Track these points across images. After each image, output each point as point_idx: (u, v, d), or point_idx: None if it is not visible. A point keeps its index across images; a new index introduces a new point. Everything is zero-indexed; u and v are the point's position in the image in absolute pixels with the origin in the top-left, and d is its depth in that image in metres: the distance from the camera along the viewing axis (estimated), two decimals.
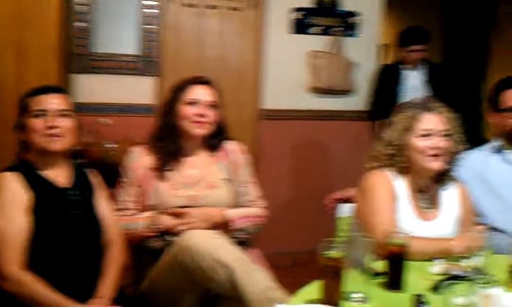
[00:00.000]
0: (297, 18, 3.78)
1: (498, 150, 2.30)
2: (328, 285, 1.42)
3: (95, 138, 3.11)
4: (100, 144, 3.11)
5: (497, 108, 2.30)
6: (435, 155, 1.92)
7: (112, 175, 2.20)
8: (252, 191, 2.29)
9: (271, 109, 3.79)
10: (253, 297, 1.73)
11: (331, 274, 1.41)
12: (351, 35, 3.88)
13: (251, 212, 2.23)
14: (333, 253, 1.42)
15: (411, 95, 3.65)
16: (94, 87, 3.40)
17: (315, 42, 3.81)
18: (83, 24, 3.35)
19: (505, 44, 8.09)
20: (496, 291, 1.37)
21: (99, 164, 2.32)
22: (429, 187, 2.02)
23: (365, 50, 3.94)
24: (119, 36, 3.47)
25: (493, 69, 8.20)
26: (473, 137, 2.42)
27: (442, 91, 3.80)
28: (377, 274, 1.58)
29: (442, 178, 2.02)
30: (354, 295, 1.45)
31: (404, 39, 3.84)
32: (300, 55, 3.80)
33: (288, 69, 3.80)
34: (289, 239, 3.83)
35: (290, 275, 2.41)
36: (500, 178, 2.26)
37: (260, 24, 3.71)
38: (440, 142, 1.92)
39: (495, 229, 2.11)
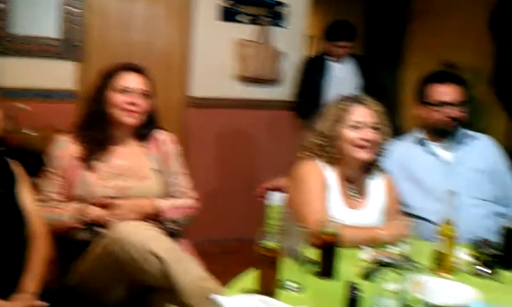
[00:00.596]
0: (225, 6, 3.76)
1: (421, 142, 2.40)
2: (264, 275, 1.43)
3: (13, 125, 2.94)
4: (19, 131, 2.94)
5: (423, 101, 2.39)
6: (364, 146, 1.98)
7: (33, 164, 2.09)
8: (183, 182, 2.25)
9: (198, 97, 3.76)
10: (186, 287, 1.71)
11: (268, 264, 1.42)
12: (278, 25, 3.92)
13: (182, 202, 2.20)
14: (270, 243, 1.43)
15: (336, 87, 3.75)
16: (12, 71, 3.22)
17: (243, 31, 3.81)
18: (0, 5, 3.15)
19: (419, 39, 8.49)
20: (426, 278, 1.44)
21: (19, 152, 2.19)
22: (357, 177, 2.08)
23: (292, 41, 3.99)
24: (39, 18, 3.30)
25: (408, 63, 8.59)
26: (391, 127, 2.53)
27: (366, 83, 3.94)
28: (309, 262, 1.61)
29: (370, 168, 2.10)
30: (289, 284, 1.48)
31: (332, 34, 3.91)
32: (228, 43, 3.79)
33: (216, 57, 3.78)
34: (218, 227, 3.84)
35: (219, 263, 2.43)
36: (424, 169, 2.35)
37: (187, 10, 3.66)
38: (369, 133, 1.98)
39: (419, 218, 2.21)
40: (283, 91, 3.98)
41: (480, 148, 2.39)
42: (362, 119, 1.99)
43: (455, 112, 2.30)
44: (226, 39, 3.78)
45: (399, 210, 2.16)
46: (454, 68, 7.78)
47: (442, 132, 2.35)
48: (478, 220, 2.17)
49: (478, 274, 1.68)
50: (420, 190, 2.28)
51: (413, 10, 8.58)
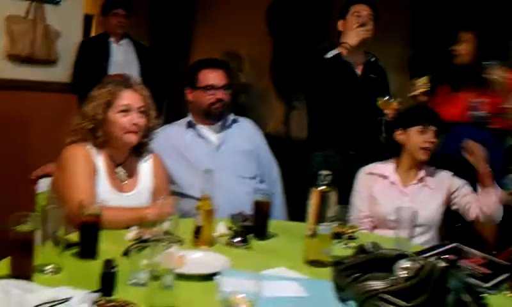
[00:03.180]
0: None
1: (191, 124, 2.54)
2: (17, 259, 1.38)
3: None
4: None
5: (195, 86, 2.52)
6: (132, 131, 2.02)
7: None
8: None
9: None
10: None
11: (21, 248, 1.38)
12: (52, 2, 3.70)
13: None
14: (22, 227, 1.39)
15: (117, 70, 3.73)
16: None
17: (13, 6, 3.53)
18: None
19: (205, 28, 8.83)
20: (185, 251, 1.54)
21: None
22: (126, 160, 2.11)
23: (69, 20, 3.81)
24: None
25: (196, 52, 8.88)
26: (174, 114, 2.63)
27: (147, 71, 3.99)
28: (71, 245, 1.61)
29: (139, 151, 2.14)
30: (46, 268, 1.45)
31: (106, 6, 3.92)
32: None
33: None
34: None
35: None
36: (192, 150, 2.50)
37: None
38: (137, 118, 2.02)
39: (189, 196, 2.33)
40: (60, 73, 3.80)
41: (244, 130, 2.61)
42: (130, 102, 2.02)
43: (220, 94, 2.48)
44: None
45: (168, 189, 2.25)
46: (235, 57, 8.28)
47: (209, 114, 2.51)
48: (242, 197, 2.36)
49: (232, 245, 1.84)
50: (190, 170, 2.41)
51: (197, 1, 8.89)
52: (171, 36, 8.29)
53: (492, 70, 2.61)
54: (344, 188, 2.50)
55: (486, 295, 1.38)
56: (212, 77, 2.49)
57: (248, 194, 2.43)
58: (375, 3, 2.91)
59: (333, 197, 1.71)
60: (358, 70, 2.91)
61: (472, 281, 1.59)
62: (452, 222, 2.48)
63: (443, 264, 1.25)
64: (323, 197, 1.70)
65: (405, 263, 1.33)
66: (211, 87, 2.48)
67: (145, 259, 1.39)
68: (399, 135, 2.39)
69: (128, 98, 2.03)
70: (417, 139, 2.32)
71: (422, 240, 2.24)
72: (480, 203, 2.28)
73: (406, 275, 1.30)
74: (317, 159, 2.85)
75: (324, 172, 1.72)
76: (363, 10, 2.84)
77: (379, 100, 2.67)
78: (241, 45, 8.06)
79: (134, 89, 2.06)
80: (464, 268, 1.72)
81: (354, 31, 2.81)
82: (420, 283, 1.26)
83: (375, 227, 2.40)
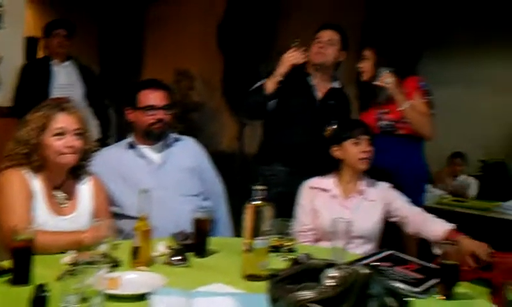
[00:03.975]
0: None
1: (131, 145, 2.54)
2: None
3: None
4: None
5: (135, 106, 2.53)
6: (66, 153, 2.01)
7: None
8: None
9: None
10: None
11: None
12: None
13: None
14: None
15: (59, 92, 3.70)
16: None
17: None
18: None
19: (155, 48, 8.84)
20: (121, 273, 1.54)
21: None
22: (65, 183, 2.09)
23: (10, 43, 3.78)
24: None
25: (146, 71, 8.88)
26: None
27: (92, 92, 3.97)
28: (5, 271, 1.58)
29: (77, 173, 2.13)
30: None
31: (48, 27, 3.90)
32: None
33: None
34: None
35: None
36: (134, 171, 2.49)
37: None
38: (72, 141, 2.01)
39: (132, 217, 2.32)
40: (1, 97, 3.74)
41: (186, 149, 2.63)
42: (65, 125, 2.01)
43: (161, 114, 2.50)
44: None
45: (108, 211, 2.24)
46: (187, 76, 8.31)
47: (150, 134, 2.52)
48: (186, 215, 2.33)
49: (171, 263, 1.85)
50: (130, 190, 2.39)
51: (147, 19, 8.90)
52: (120, 57, 8.27)
53: (381, 77, 2.72)
54: (289, 202, 2.56)
55: (411, 299, 1.44)
56: (153, 97, 2.50)
57: (191, 212, 2.45)
58: (341, 30, 2.98)
59: (268, 211, 1.75)
60: (319, 94, 2.99)
61: (401, 286, 1.66)
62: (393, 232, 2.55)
63: (366, 271, 1.30)
64: (257, 211, 1.73)
65: (332, 272, 1.37)
66: (151, 107, 2.49)
67: (79, 283, 1.38)
68: (336, 151, 2.45)
69: (63, 121, 2.02)
70: (353, 151, 2.39)
71: (363, 250, 2.30)
72: (421, 228, 2.34)
73: (332, 283, 1.34)
74: (264, 174, 2.89)
75: (259, 187, 1.75)
76: (324, 36, 2.93)
77: (327, 130, 2.66)
78: (192, 64, 8.10)
79: (68, 111, 2.05)
80: (397, 274, 1.78)
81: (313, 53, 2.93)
82: (345, 291, 1.30)
83: (319, 239, 2.44)
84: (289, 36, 3.06)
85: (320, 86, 2.99)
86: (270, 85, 2.85)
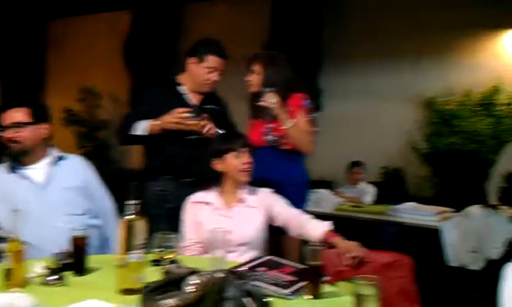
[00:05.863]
0: None
1: (12, 168, 2.48)
2: None
3: None
4: None
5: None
6: None
7: None
8: None
9: None
10: None
11: None
12: None
13: None
14: None
15: None
16: None
17: None
18: None
19: (58, 66, 8.62)
20: None
21: None
22: None
23: None
24: None
25: (51, 90, 8.64)
26: None
27: None
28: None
29: None
30: None
31: None
32: None
33: None
34: None
35: None
36: (18, 193, 2.43)
37: None
38: None
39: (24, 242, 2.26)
40: None
41: (71, 167, 2.59)
42: None
43: (10, 134, 2.45)
44: None
45: None
46: (92, 94, 8.16)
47: (12, 155, 2.48)
48: (69, 234, 2.34)
49: (47, 283, 1.83)
50: (23, 215, 2.35)
51: (49, 37, 8.68)
52: (21, 75, 8.00)
53: (265, 96, 2.82)
54: (178, 215, 2.59)
55: (270, 299, 1.52)
56: (4, 117, 2.47)
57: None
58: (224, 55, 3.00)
59: (141, 225, 1.78)
60: (195, 100, 3.01)
61: (271, 288, 1.74)
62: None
63: (222, 275, 1.37)
64: (130, 226, 1.76)
65: (193, 279, 1.43)
66: (3, 128, 2.46)
67: None
68: (217, 165, 2.52)
69: None
70: (234, 163, 2.46)
71: (247, 257, 2.36)
72: (302, 231, 2.46)
73: (192, 290, 1.40)
74: (152, 189, 2.91)
75: (131, 201, 1.78)
76: (218, 64, 2.96)
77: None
78: (98, 81, 7.97)
79: None
80: (270, 277, 1.86)
81: (202, 80, 2.95)
82: (203, 296, 1.37)
83: (205, 252, 2.47)
84: None
85: (194, 93, 3.01)
86: (154, 128, 2.84)
